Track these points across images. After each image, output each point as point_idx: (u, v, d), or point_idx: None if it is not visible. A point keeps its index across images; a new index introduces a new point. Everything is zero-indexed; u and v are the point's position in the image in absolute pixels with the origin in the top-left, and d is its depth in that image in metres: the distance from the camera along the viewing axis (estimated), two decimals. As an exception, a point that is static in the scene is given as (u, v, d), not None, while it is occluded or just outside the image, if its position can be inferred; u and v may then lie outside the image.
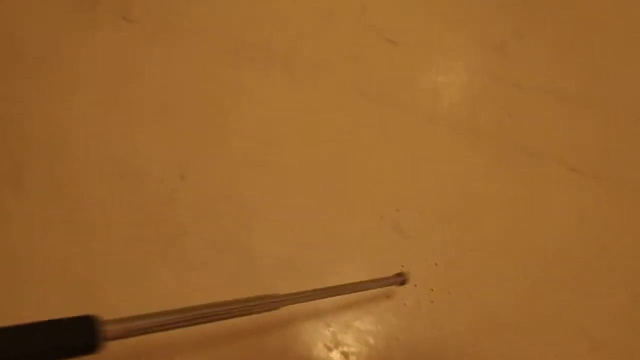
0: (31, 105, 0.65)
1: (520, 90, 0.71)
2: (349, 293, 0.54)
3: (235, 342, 0.55)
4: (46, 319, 0.29)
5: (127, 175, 0.62)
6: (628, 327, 0.59)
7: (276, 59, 0.70)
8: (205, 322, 0.36)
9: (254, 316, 0.39)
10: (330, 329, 0.58)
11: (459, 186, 0.67)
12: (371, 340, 0.58)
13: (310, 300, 0.48)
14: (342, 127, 0.69)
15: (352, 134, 0.69)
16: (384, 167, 0.68)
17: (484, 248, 0.63)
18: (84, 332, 0.30)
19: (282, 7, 0.73)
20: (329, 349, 0.57)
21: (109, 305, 0.57)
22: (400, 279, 0.56)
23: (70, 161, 0.62)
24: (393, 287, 0.59)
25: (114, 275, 0.58)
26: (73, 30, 0.68)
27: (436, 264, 0.62)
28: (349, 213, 0.65)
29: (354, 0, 0.77)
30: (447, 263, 0.62)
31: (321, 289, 0.48)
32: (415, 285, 0.61)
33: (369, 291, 0.59)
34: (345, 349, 0.57)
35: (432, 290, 0.61)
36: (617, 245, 0.63)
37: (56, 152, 0.62)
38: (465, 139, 0.69)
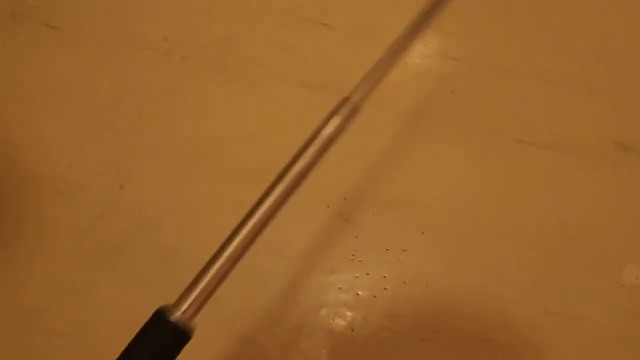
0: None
1: (460, 65, 0.68)
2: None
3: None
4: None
5: (63, 190, 0.61)
6: (589, 300, 0.56)
7: (208, 57, 0.68)
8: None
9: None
10: (284, 326, 0.56)
11: (405, 169, 0.64)
12: (325, 337, 0.56)
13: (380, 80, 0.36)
14: (283, 121, 0.67)
15: (294, 126, 0.67)
16: (329, 155, 0.66)
17: (435, 229, 0.60)
18: (166, 330, 0.28)
19: (210, 3, 0.72)
20: (284, 348, 0.56)
21: (51, 327, 0.56)
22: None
23: (3, 183, 0.61)
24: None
25: (56, 294, 0.57)
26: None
27: (387, 250, 0.60)
28: (297, 207, 0.63)
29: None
30: (398, 247, 0.60)
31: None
32: (368, 274, 0.59)
33: (319, 289, 0.58)
34: (300, 347, 0.56)
35: (384, 277, 0.59)
36: (573, 216, 0.59)
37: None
38: (410, 120, 0.67)
